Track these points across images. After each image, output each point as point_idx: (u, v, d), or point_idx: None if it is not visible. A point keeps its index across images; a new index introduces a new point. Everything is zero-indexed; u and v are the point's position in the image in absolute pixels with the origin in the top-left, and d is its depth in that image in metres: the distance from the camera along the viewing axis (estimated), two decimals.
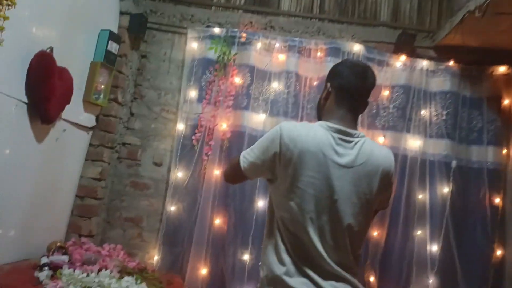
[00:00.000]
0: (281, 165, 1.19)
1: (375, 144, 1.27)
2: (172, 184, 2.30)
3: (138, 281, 1.58)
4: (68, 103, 1.93)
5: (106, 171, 2.32)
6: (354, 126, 1.26)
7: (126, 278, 1.54)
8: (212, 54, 2.41)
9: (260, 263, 1.27)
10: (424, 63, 2.36)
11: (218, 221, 2.25)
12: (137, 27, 2.43)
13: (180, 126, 2.37)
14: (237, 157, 1.32)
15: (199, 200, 2.25)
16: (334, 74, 1.32)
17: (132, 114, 2.49)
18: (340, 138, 1.20)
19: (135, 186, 2.40)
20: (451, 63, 2.35)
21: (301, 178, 1.16)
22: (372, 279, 2.18)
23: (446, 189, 2.22)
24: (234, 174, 1.37)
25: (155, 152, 2.43)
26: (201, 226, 2.20)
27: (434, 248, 2.17)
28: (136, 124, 2.47)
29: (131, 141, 2.45)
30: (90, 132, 2.28)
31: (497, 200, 2.21)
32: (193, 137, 2.34)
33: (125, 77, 2.43)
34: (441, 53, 2.41)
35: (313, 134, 1.20)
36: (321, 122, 1.25)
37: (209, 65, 2.41)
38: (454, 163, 2.23)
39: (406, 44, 2.38)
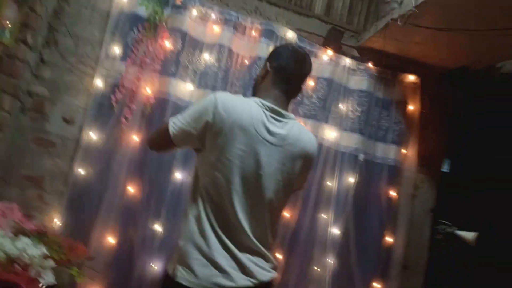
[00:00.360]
0: (211, 135, 1.19)
1: (303, 128, 1.35)
2: (83, 145, 2.12)
3: (36, 243, 1.45)
4: None
5: (5, 122, 2.03)
6: (286, 108, 1.31)
7: (22, 239, 1.40)
8: (143, 11, 2.24)
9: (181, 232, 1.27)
10: (347, 61, 2.53)
11: (131, 190, 2.15)
12: None
13: (99, 83, 2.18)
14: (165, 122, 1.28)
15: (112, 165, 2.12)
16: (275, 55, 1.36)
17: (42, 61, 2.20)
18: (272, 117, 1.24)
19: (39, 143, 2.15)
20: (370, 64, 2.55)
21: (230, 149, 1.18)
22: (280, 257, 2.32)
23: (351, 179, 2.44)
24: (160, 141, 1.33)
25: (66, 108, 2.20)
26: (113, 193, 2.08)
27: (336, 231, 2.38)
28: (46, 73, 2.20)
29: (39, 91, 2.18)
30: None
31: (393, 194, 2.50)
32: (112, 97, 2.17)
33: (39, 17, 2.13)
34: (363, 54, 2.61)
35: (248, 108, 1.22)
36: (256, 99, 1.28)
37: (138, 22, 2.24)
38: (361, 157, 2.46)
39: (334, 39, 2.51)
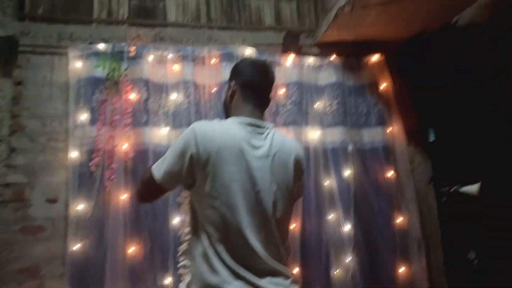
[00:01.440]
0: (199, 166, 1.14)
1: (283, 135, 1.33)
2: (72, 220, 2.05)
3: None
4: None
5: None
6: (262, 120, 1.28)
7: None
8: (100, 72, 2.24)
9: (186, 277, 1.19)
10: (310, 60, 2.53)
11: (132, 249, 2.07)
12: (5, 52, 2.15)
13: (74, 154, 2.14)
14: (148, 171, 1.23)
15: (107, 231, 2.04)
16: (237, 73, 1.34)
17: (12, 150, 2.16)
18: (253, 131, 1.21)
19: (26, 231, 2.08)
20: (333, 57, 2.55)
21: (222, 175, 1.13)
22: (296, 270, 2.22)
23: (347, 172, 2.38)
24: (148, 190, 1.27)
25: (46, 188, 2.14)
26: (113, 259, 2.01)
27: (347, 227, 2.30)
28: (19, 160, 2.15)
29: (15, 180, 2.13)
30: None
31: (391, 173, 2.45)
32: (90, 164, 2.12)
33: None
34: (323, 49, 2.61)
35: (227, 129, 1.19)
36: (231, 119, 1.25)
37: (99, 83, 2.23)
38: (350, 147, 2.42)
39: (292, 43, 2.53)
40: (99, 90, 2.23)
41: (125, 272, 2.01)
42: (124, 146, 2.17)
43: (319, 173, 2.36)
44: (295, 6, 2.76)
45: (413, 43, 2.53)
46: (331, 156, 2.39)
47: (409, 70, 2.61)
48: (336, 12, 2.18)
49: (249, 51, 2.44)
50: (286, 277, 1.17)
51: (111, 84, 2.23)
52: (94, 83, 2.23)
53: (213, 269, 1.10)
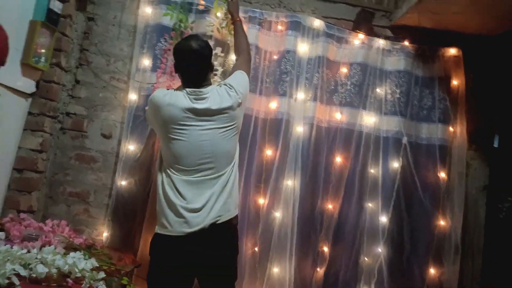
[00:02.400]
0: None
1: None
2: (122, 158, 2.16)
3: (86, 257, 1.47)
4: (3, 64, 1.70)
5: (47, 142, 2.12)
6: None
7: (72, 253, 1.42)
8: (168, 21, 2.26)
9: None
10: (381, 42, 2.40)
11: None
12: None
13: (132, 96, 2.22)
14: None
15: (152, 173, 2.14)
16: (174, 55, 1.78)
17: (77, 82, 2.28)
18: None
19: (81, 159, 2.23)
20: (406, 43, 2.41)
21: None
22: (325, 249, 2.24)
23: (396, 164, 2.30)
24: None
25: (103, 123, 2.26)
26: (154, 199, 2.09)
27: (384, 219, 2.26)
28: (82, 93, 2.28)
29: (76, 110, 2.26)
30: (29, 99, 2.06)
31: (443, 174, 2.33)
32: (146, 108, 2.19)
33: (70, 40, 2.21)
34: (397, 33, 2.47)
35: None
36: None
37: (165, 32, 2.26)
38: (405, 139, 2.32)
39: (365, 22, 2.41)
40: (164, 38, 2.26)
41: None
42: None
43: (367, 159, 2.30)
44: None
45: (497, 41, 2.32)
46: (383, 145, 2.31)
47: (485, 70, 2.42)
48: None
49: (317, 23, 2.35)
50: None
51: (176, 35, 2.25)
52: (160, 31, 2.26)
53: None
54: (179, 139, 1.63)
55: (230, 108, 1.69)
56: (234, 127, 1.72)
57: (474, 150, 2.45)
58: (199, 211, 1.58)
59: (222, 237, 1.61)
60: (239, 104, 1.74)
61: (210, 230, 1.57)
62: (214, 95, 1.68)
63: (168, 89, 1.77)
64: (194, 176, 1.62)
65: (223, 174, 1.65)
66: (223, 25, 2.25)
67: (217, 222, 1.59)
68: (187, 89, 1.67)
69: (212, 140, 1.64)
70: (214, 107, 1.65)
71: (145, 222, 2.08)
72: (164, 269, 1.57)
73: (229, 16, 2.20)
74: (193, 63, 1.68)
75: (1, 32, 1.69)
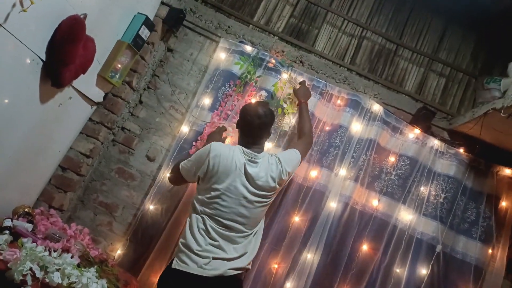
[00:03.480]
0: None
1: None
2: (158, 183, 2.23)
3: (97, 275, 1.49)
4: (84, 73, 1.88)
5: (97, 150, 2.25)
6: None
7: (87, 273, 1.42)
8: (237, 69, 2.40)
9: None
10: (436, 142, 2.38)
11: None
12: (173, 21, 2.42)
13: (184, 129, 2.33)
14: (178, 163, 1.88)
15: (177, 208, 2.17)
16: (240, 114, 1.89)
17: (140, 102, 2.44)
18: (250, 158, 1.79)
19: (121, 173, 2.32)
20: (461, 150, 2.37)
21: None
22: None
23: (424, 271, 2.18)
24: (173, 176, 1.94)
25: (151, 146, 2.37)
26: (171, 231, 2.12)
27: None
28: (142, 113, 2.42)
29: (131, 127, 2.39)
30: (94, 108, 2.22)
31: None
32: (194, 143, 2.29)
33: (146, 64, 2.40)
34: (454, 138, 2.44)
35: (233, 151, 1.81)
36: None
37: (231, 79, 2.39)
38: (439, 248, 2.20)
39: (424, 118, 2.39)
40: (229, 84, 2.39)
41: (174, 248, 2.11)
42: (227, 141, 2.29)
43: (396, 256, 2.20)
44: (443, 83, 2.62)
45: None
46: (415, 246, 2.21)
47: None
48: (487, 111, 2.01)
49: (376, 107, 2.39)
50: None
51: (241, 84, 2.37)
52: (227, 77, 2.39)
53: None
54: (224, 192, 1.70)
55: (272, 188, 1.78)
56: (269, 201, 1.81)
57: (511, 280, 2.28)
58: (219, 259, 1.64)
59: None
60: (281, 182, 1.82)
61: (222, 279, 1.63)
62: (265, 162, 1.77)
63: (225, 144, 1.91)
64: (223, 229, 1.69)
65: (249, 235, 1.74)
66: (286, 103, 2.36)
67: (227, 274, 1.64)
68: (244, 149, 1.78)
69: (247, 206, 1.72)
70: (262, 175, 1.75)
71: (153, 253, 2.09)
72: None
73: (295, 96, 2.32)
74: (254, 126, 1.81)
75: (92, 45, 1.88)
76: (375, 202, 2.29)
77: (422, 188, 2.31)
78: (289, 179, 1.93)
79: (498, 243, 2.24)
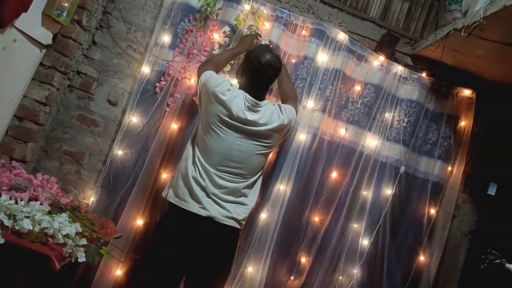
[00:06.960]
0: None
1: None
2: (124, 128, 2.16)
3: (71, 220, 1.47)
4: (26, 11, 1.70)
5: (53, 97, 2.11)
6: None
7: (59, 218, 1.40)
8: (195, 2, 2.25)
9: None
10: (399, 68, 2.40)
11: (164, 176, 2.17)
12: None
13: (145, 69, 2.21)
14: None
15: (149, 150, 2.14)
16: (248, 59, 1.80)
17: (94, 43, 2.27)
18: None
19: (83, 120, 2.22)
20: (424, 74, 2.42)
21: None
22: (303, 260, 2.27)
23: (389, 191, 2.32)
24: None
25: (111, 90, 2.26)
26: (146, 176, 2.11)
27: (365, 242, 2.28)
28: (97, 55, 2.26)
29: (88, 71, 2.25)
30: (44, 51, 2.05)
31: (432, 211, 2.36)
32: (157, 84, 2.19)
33: (95, 0, 2.19)
34: (417, 63, 2.47)
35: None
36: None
37: (190, 12, 2.25)
38: (402, 169, 2.33)
39: (388, 45, 2.39)
40: (188, 18, 2.25)
41: (152, 192, 2.13)
42: (192, 80, 2.21)
43: (362, 180, 2.31)
44: (406, 8, 2.59)
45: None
46: (380, 169, 2.32)
47: (495, 118, 2.44)
48: (448, 32, 2.03)
49: (341, 36, 2.34)
50: None
51: (201, 17, 2.24)
52: (186, 10, 2.24)
53: None
54: (218, 135, 1.69)
55: (274, 130, 1.76)
56: (269, 146, 1.80)
57: (468, 193, 2.48)
58: (213, 197, 1.67)
59: (226, 239, 1.72)
60: (284, 128, 1.81)
61: (217, 225, 1.66)
62: (267, 110, 1.75)
63: (232, 85, 1.81)
64: (221, 172, 1.69)
65: (247, 180, 1.75)
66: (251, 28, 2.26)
67: (223, 222, 1.66)
68: (247, 96, 1.74)
69: (245, 152, 1.71)
70: (262, 121, 1.72)
71: (131, 197, 2.08)
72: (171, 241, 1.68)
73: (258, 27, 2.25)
74: (265, 78, 1.77)
75: None
76: (343, 131, 2.35)
77: (386, 115, 2.38)
78: (287, 133, 1.90)
79: (456, 160, 2.40)
